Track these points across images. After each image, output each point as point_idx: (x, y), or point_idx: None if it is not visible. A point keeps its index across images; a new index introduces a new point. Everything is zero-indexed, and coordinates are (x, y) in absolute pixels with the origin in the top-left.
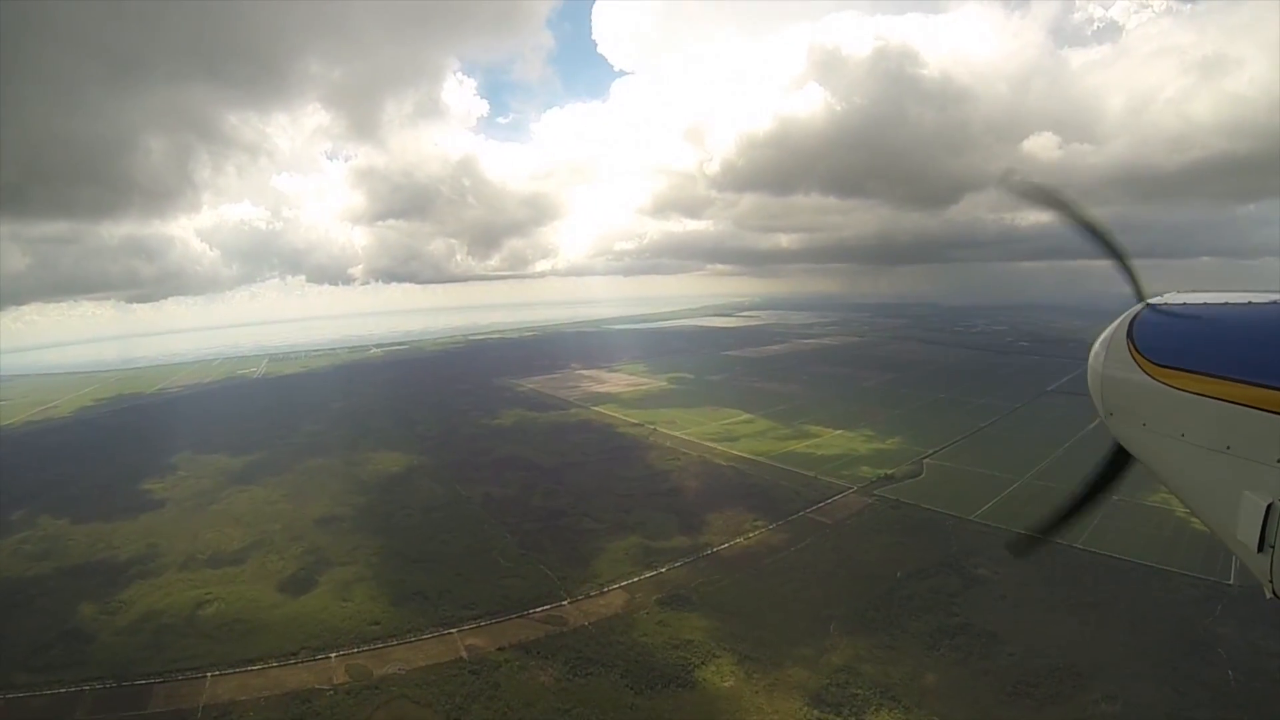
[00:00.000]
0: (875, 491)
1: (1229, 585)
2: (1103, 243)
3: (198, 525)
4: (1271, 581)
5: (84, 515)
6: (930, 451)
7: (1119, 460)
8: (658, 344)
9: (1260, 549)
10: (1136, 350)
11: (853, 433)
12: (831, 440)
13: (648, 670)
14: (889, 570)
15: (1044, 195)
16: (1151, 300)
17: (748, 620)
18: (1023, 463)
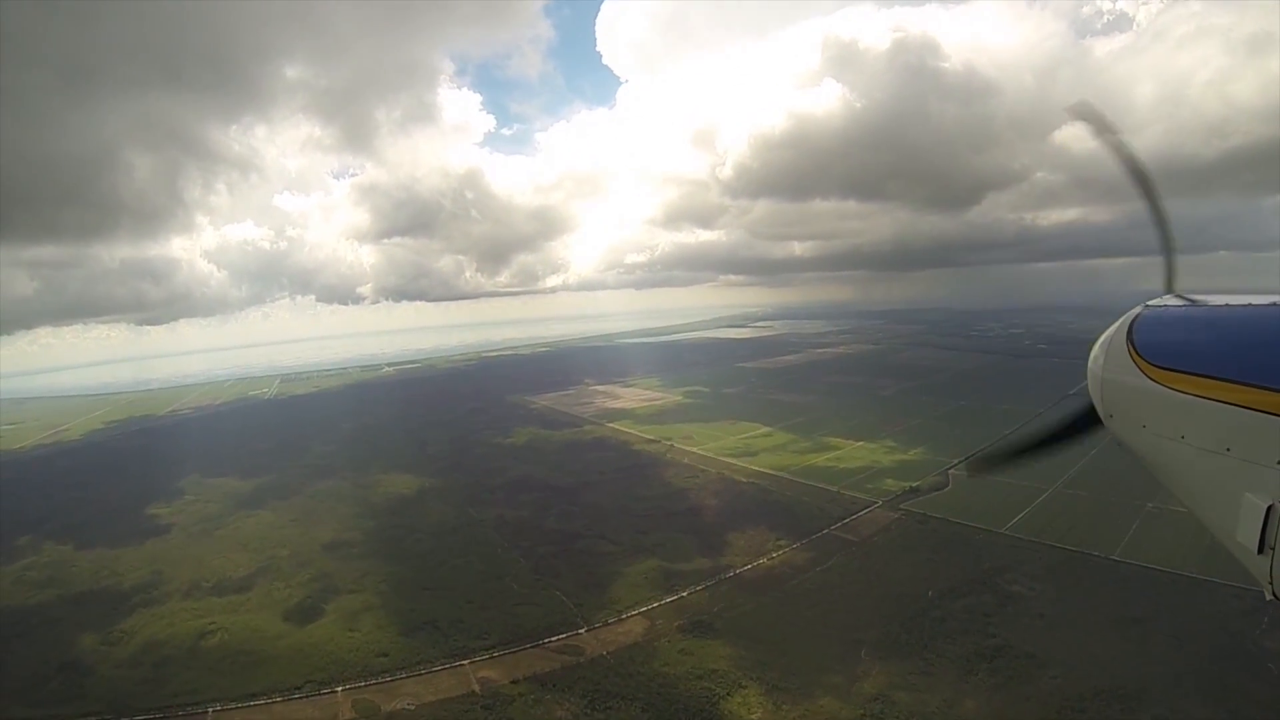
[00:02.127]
0: (901, 505)
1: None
2: (1152, 205)
3: (203, 551)
4: (1272, 584)
5: (89, 541)
6: (955, 462)
7: (1087, 420)
8: (672, 357)
9: (1260, 551)
10: (1136, 352)
11: (874, 444)
12: (853, 452)
13: (670, 703)
14: (920, 589)
15: (1110, 131)
16: (1151, 301)
17: (774, 647)
18: (1052, 471)
